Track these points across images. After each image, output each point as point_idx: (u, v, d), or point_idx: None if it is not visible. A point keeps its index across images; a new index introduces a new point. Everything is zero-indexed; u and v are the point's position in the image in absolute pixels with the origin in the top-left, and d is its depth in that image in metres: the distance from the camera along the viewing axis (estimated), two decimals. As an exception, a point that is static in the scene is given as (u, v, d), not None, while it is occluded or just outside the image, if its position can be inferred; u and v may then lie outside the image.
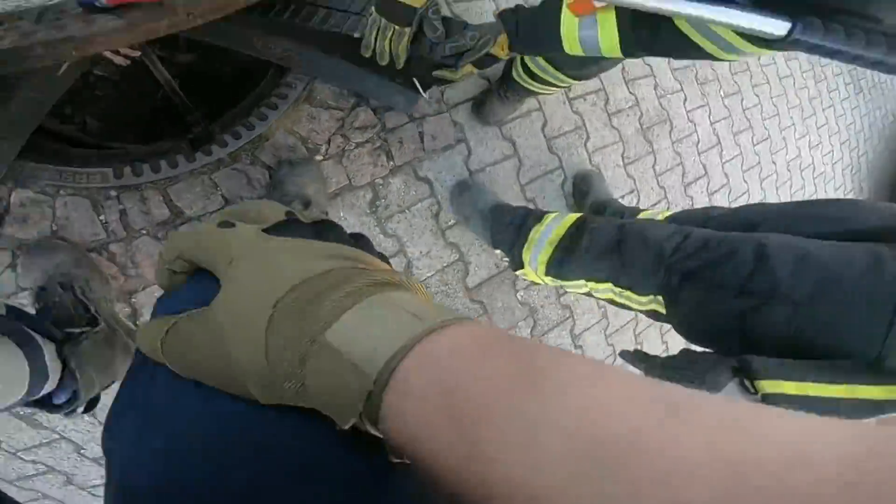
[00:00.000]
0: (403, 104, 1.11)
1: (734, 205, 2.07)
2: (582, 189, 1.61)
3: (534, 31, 0.89)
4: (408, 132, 1.37)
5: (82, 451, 1.14)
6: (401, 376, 0.19)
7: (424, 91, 1.01)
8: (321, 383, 0.21)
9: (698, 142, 2.01)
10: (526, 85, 1.25)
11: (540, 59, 1.14)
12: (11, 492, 1.09)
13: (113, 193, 1.08)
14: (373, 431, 0.21)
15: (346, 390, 0.20)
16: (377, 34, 0.88)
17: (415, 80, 1.00)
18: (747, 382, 0.78)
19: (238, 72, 1.40)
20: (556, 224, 1.17)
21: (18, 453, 1.07)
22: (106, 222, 1.08)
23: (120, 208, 1.09)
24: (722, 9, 0.65)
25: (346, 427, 0.21)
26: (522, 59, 1.20)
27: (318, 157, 1.26)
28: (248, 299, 0.23)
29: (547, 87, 1.23)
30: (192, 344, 0.24)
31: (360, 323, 0.21)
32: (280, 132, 1.22)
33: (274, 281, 0.23)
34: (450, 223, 1.44)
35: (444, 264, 1.45)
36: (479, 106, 1.42)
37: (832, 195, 2.95)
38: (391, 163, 1.35)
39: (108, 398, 0.97)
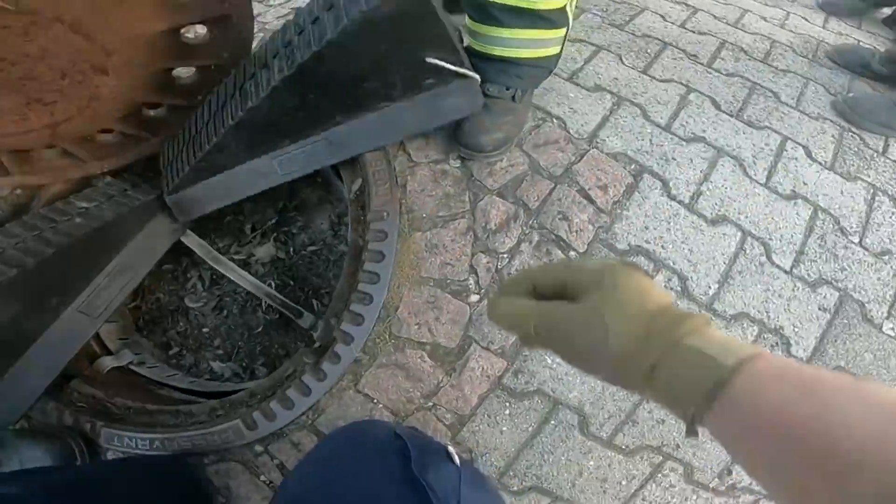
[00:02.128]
0: (468, 101, 0.87)
1: None
2: None
3: None
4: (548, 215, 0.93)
5: None
6: (748, 368, 0.26)
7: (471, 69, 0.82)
8: (672, 372, 0.29)
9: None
10: None
11: None
12: None
13: (259, 448, 0.84)
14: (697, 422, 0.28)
15: (697, 374, 0.28)
16: None
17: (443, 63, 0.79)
18: None
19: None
20: None
21: None
22: (269, 482, 0.84)
23: (276, 462, 0.84)
24: None
25: (689, 416, 0.28)
26: None
27: (474, 299, 0.88)
28: (628, 307, 0.32)
29: None
30: (569, 326, 0.33)
31: (707, 341, 0.29)
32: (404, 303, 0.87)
33: (645, 302, 0.32)
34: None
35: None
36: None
37: None
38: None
39: None
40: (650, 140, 1.01)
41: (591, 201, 0.94)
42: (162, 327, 1.12)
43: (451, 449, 0.59)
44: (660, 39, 1.23)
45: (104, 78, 0.78)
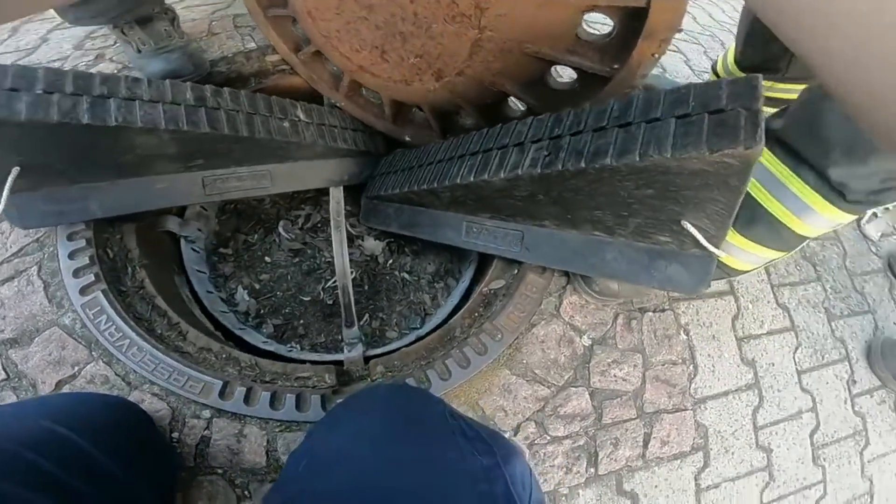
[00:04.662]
0: (694, 279, 0.73)
1: None
2: None
3: None
4: (629, 432, 0.92)
5: None
6: None
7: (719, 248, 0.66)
8: None
9: None
10: None
11: None
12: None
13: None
14: None
15: None
16: None
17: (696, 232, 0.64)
18: None
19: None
20: None
21: None
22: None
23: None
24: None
25: None
26: None
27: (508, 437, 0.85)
28: None
29: None
30: None
31: None
32: (460, 400, 0.86)
33: None
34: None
35: None
36: None
37: None
38: (591, 470, 0.89)
39: None
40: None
41: (646, 447, 0.93)
42: (238, 224, 1.09)
43: (517, 442, 0.54)
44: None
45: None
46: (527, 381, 0.89)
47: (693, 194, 0.62)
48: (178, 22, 1.01)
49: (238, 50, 1.08)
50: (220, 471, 0.81)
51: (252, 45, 1.10)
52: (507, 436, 0.86)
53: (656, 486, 0.92)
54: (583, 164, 0.63)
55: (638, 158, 0.58)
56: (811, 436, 1.03)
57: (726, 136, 0.53)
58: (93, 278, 0.82)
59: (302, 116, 0.92)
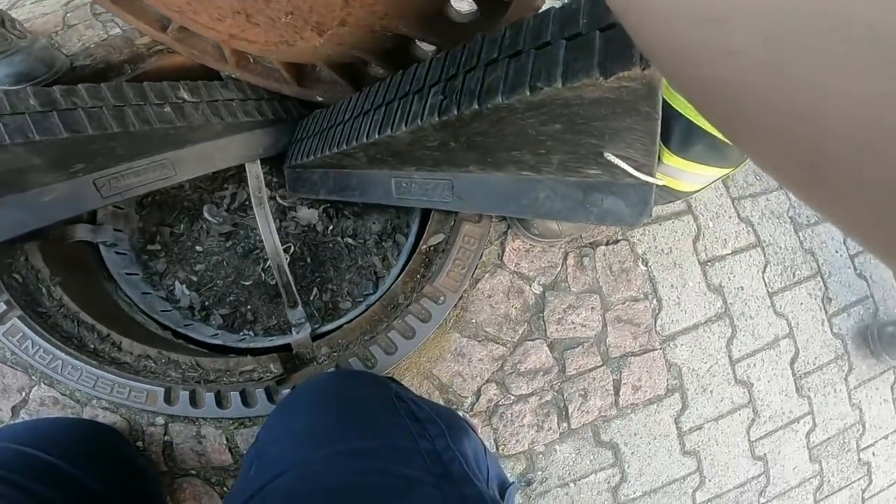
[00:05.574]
0: (633, 210, 0.67)
1: None
2: None
3: None
4: (597, 381, 0.89)
5: None
6: None
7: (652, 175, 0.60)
8: None
9: None
10: None
11: None
12: None
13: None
14: None
15: None
16: None
17: (621, 161, 0.58)
18: None
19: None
20: None
21: None
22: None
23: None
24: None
25: None
26: None
27: (459, 413, 0.83)
28: None
29: None
30: None
31: None
32: (412, 372, 0.83)
33: None
34: (631, 497, 0.92)
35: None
36: None
37: None
38: (564, 425, 0.87)
39: None
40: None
41: (617, 394, 0.91)
42: (161, 216, 1.03)
43: (468, 418, 0.56)
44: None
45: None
46: (479, 341, 0.85)
47: (604, 125, 0.54)
48: (12, 23, 0.89)
49: (100, 39, 0.95)
50: (193, 472, 0.83)
51: (116, 30, 0.96)
52: (467, 401, 0.84)
53: (636, 434, 0.90)
54: (476, 106, 0.56)
55: (529, 93, 0.51)
56: (791, 364, 0.98)
57: (620, 57, 0.45)
58: (4, 306, 0.79)
59: (187, 97, 0.82)
